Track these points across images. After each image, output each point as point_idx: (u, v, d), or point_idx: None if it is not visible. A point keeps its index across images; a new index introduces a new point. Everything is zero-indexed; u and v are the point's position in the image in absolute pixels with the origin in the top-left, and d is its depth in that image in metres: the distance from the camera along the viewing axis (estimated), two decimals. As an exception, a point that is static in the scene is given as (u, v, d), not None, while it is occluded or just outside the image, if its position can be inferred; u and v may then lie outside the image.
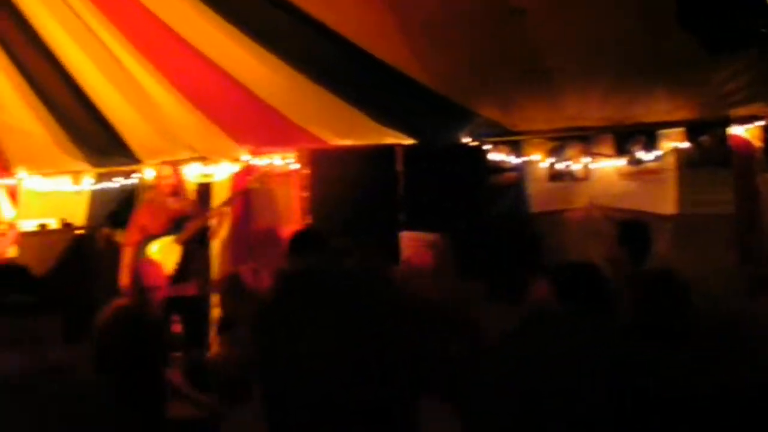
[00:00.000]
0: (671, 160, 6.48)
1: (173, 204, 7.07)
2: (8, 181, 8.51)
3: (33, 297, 2.18)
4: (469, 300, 2.94)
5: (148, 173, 8.13)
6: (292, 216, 7.32)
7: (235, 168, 7.74)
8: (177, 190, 7.16)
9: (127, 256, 7.03)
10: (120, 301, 5.57)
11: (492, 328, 2.41)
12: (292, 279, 1.08)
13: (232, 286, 5.92)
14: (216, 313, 7.01)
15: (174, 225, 7.02)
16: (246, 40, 6.32)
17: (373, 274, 4.23)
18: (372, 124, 6.84)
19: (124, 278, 6.96)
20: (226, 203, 7.39)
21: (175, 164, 7.43)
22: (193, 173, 7.95)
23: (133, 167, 8.25)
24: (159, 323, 5.01)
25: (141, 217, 7.21)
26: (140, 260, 6.41)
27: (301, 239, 4.62)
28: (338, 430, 1.36)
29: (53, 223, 8.08)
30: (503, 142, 6.78)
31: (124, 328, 3.31)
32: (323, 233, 4.77)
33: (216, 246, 7.42)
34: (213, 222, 7.08)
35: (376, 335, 1.10)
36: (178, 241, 6.91)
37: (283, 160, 7.52)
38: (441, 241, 5.72)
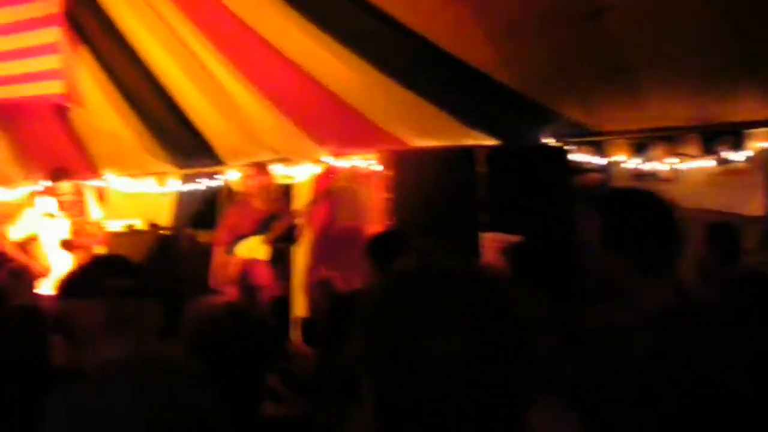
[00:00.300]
0: (759, 161, 6.39)
1: (261, 204, 7.22)
2: (96, 183, 8.81)
3: (133, 281, 2.29)
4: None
5: (231, 175, 8.36)
6: (374, 217, 7.43)
7: (317, 169, 7.88)
8: (265, 191, 7.28)
9: (217, 256, 7.23)
10: (216, 299, 5.78)
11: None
12: (411, 277, 1.12)
13: (322, 289, 6.09)
14: (299, 313, 7.19)
15: (262, 225, 7.17)
16: (329, 42, 6.46)
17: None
18: (453, 126, 6.89)
19: (215, 278, 7.15)
20: (313, 204, 7.52)
21: (261, 165, 7.59)
22: (275, 174, 8.13)
23: (217, 169, 8.48)
24: (266, 323, 5.18)
25: (230, 218, 7.41)
26: (248, 260, 6.53)
27: (384, 242, 4.74)
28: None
29: (139, 224, 8.35)
30: (586, 143, 6.77)
31: (230, 326, 3.44)
32: (406, 235, 4.89)
33: (300, 247, 7.55)
34: (299, 222, 7.21)
35: (501, 336, 1.14)
36: (265, 242, 7.06)
37: (365, 162, 7.63)
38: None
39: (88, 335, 2.27)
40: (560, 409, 1.84)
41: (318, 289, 6.28)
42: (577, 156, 6.77)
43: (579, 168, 6.79)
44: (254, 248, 7.09)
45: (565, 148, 6.70)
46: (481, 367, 1.20)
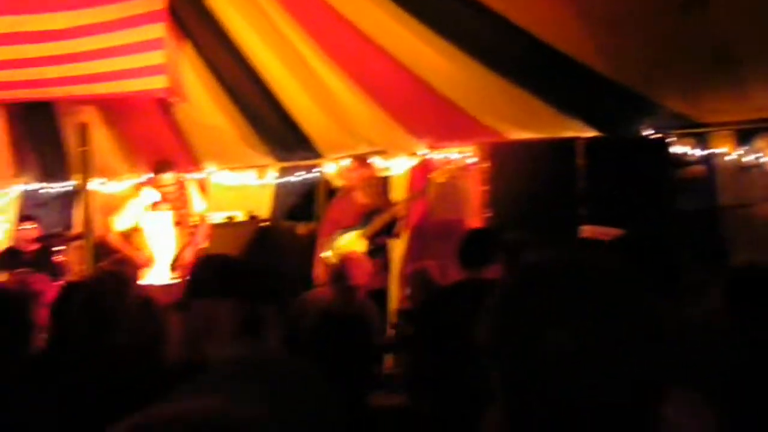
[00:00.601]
0: None
1: (363, 198, 7.30)
2: (198, 176, 9.10)
3: (257, 285, 2.40)
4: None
5: (328, 167, 8.53)
6: (471, 210, 7.48)
7: (413, 162, 7.96)
8: (367, 184, 7.36)
9: (321, 249, 7.37)
10: (317, 293, 5.92)
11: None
12: (541, 269, 1.15)
13: (420, 280, 6.19)
14: (396, 305, 7.30)
15: (364, 219, 7.26)
16: (425, 32, 6.56)
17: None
18: (552, 117, 6.90)
19: (318, 270, 7.30)
20: (413, 197, 7.58)
21: (363, 158, 7.69)
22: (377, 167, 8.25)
23: (315, 161, 8.67)
24: (367, 320, 5.32)
25: (333, 211, 7.54)
26: (346, 256, 6.60)
27: (473, 240, 4.82)
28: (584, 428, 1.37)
29: (240, 216, 8.60)
30: (688, 134, 6.68)
31: (332, 327, 3.57)
32: (495, 233, 4.94)
33: (399, 240, 7.62)
34: (400, 216, 7.27)
35: (631, 328, 1.16)
36: (364, 235, 7.16)
37: (461, 154, 7.68)
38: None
39: (213, 333, 2.38)
40: (699, 404, 1.85)
41: (415, 281, 6.38)
42: (679, 148, 6.68)
43: (680, 160, 6.70)
44: (354, 242, 7.20)
45: (667, 139, 6.62)
46: (611, 358, 1.21)
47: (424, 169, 7.82)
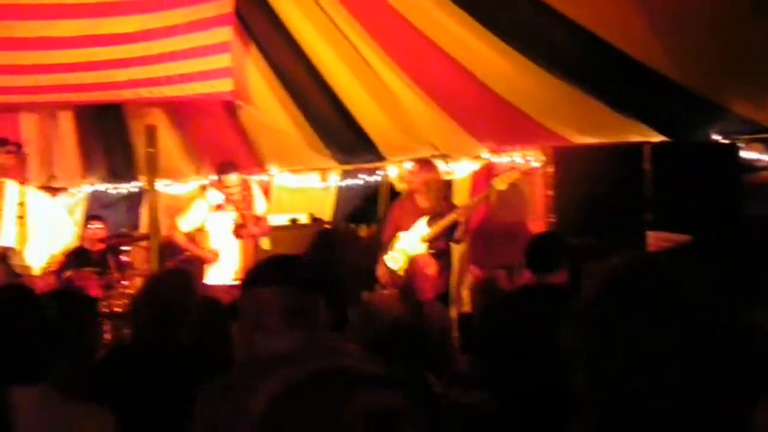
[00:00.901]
0: None
1: (424, 201, 7.33)
2: (261, 178, 9.25)
3: (308, 275, 2.48)
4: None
5: (391, 170, 8.60)
6: (534, 214, 7.48)
7: (476, 166, 7.99)
8: (429, 188, 7.37)
9: (383, 252, 7.43)
10: (382, 297, 5.97)
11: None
12: (628, 273, 1.15)
13: (487, 287, 6.21)
14: (459, 310, 7.33)
15: (426, 223, 7.28)
16: (487, 35, 6.61)
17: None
18: (618, 121, 6.87)
19: (381, 272, 7.37)
20: (475, 203, 7.58)
21: (427, 161, 7.72)
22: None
23: (377, 164, 8.76)
24: (432, 339, 5.36)
25: (394, 214, 7.58)
26: (414, 267, 6.59)
27: (541, 245, 4.83)
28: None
29: (303, 218, 8.72)
30: (757, 140, 6.60)
31: (402, 342, 3.61)
32: (562, 238, 4.95)
33: (459, 245, 7.63)
34: (461, 220, 7.28)
35: (721, 332, 1.15)
36: (424, 239, 7.19)
37: (524, 158, 7.69)
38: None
39: (266, 325, 2.42)
40: None
41: (482, 285, 6.40)
42: (748, 153, 6.60)
43: (750, 166, 6.62)
44: (414, 245, 7.23)
45: (735, 145, 6.55)
46: (702, 362, 1.21)
47: (486, 173, 7.84)
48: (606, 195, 6.84)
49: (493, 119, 7.54)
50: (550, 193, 7.23)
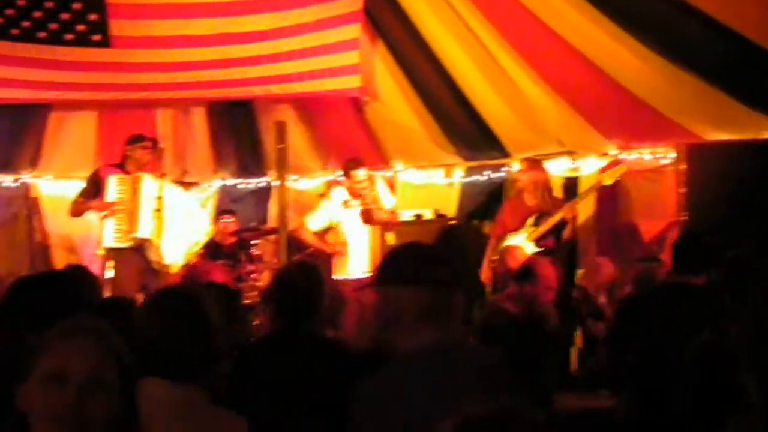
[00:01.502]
0: None
1: (532, 200, 7.35)
2: (386, 173, 9.41)
3: (445, 273, 2.53)
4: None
5: (516, 167, 8.64)
6: (663, 212, 7.41)
7: (602, 163, 7.94)
8: (537, 187, 7.39)
9: (489, 250, 7.50)
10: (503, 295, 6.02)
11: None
12: None
13: (644, 278, 6.20)
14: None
15: (533, 222, 7.30)
16: (616, 30, 6.63)
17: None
18: (753, 118, 6.75)
19: (485, 272, 7.44)
20: (581, 198, 7.55)
21: (535, 160, 7.76)
22: (560, 168, 8.29)
23: (502, 161, 8.82)
24: (553, 336, 5.42)
25: (504, 212, 7.65)
26: (531, 263, 6.60)
27: (689, 245, 4.82)
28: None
29: (427, 214, 8.83)
30: None
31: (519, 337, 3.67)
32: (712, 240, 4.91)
33: (570, 243, 7.58)
34: (568, 218, 7.25)
35: None
36: (530, 238, 7.20)
37: (653, 155, 7.61)
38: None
39: (400, 322, 2.49)
40: None
41: (636, 279, 6.38)
42: None
43: None
44: (521, 244, 7.24)
45: None
46: None
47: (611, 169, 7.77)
48: (740, 192, 6.75)
49: (622, 115, 7.51)
50: (683, 190, 7.15)
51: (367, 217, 7.69)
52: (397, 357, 2.52)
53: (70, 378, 1.78)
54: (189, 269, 8.00)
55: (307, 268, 4.55)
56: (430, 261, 2.57)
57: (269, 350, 3.82)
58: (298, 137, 9.45)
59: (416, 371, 2.42)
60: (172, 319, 2.62)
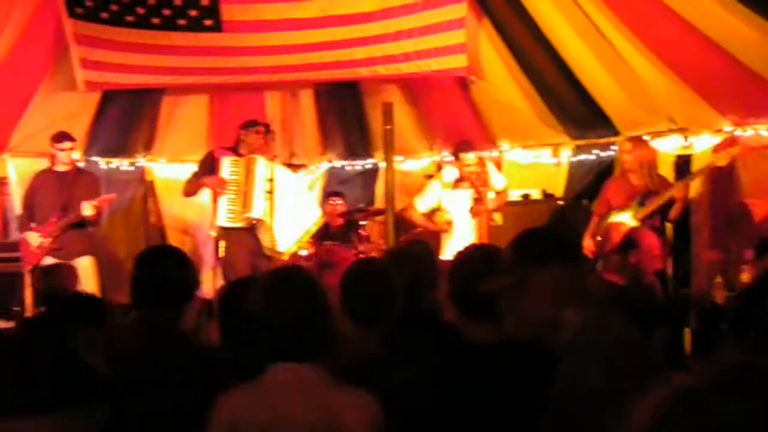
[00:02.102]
0: None
1: (637, 179, 7.27)
2: (492, 153, 9.43)
3: (573, 251, 2.59)
4: None
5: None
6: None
7: (717, 140, 7.79)
8: (642, 166, 7.29)
9: (591, 227, 7.45)
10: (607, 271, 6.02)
11: None
12: None
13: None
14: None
15: (638, 201, 7.23)
16: (730, 1, 6.49)
17: None
18: None
19: (586, 248, 7.40)
20: (692, 178, 7.43)
21: (639, 138, 7.66)
22: (671, 145, 8.18)
23: (611, 139, 8.74)
24: (663, 309, 5.40)
25: (607, 191, 7.58)
26: (637, 236, 6.54)
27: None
28: None
29: (535, 194, 8.83)
30: None
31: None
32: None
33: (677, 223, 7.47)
34: (677, 197, 7.14)
35: None
36: (637, 217, 7.12)
37: (772, 132, 7.46)
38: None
39: (538, 304, 2.53)
40: None
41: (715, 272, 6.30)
42: None
43: None
44: (626, 223, 7.17)
45: None
46: None
47: (725, 147, 7.62)
48: None
49: (738, 90, 7.38)
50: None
51: (476, 210, 7.69)
52: (565, 340, 2.51)
53: None
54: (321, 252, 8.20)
55: (421, 246, 4.62)
56: (567, 239, 2.67)
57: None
58: (404, 118, 9.55)
59: (584, 354, 2.45)
60: (292, 300, 2.67)
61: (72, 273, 6.94)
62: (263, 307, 2.70)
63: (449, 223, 7.82)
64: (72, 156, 7.83)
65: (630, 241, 5.97)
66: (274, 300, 2.70)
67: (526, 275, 2.55)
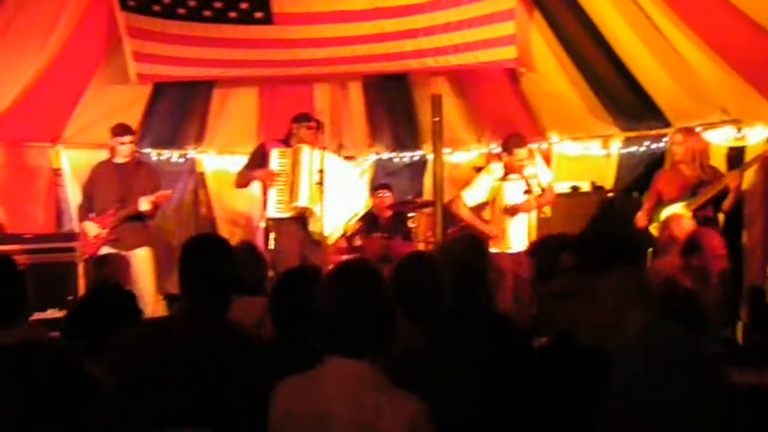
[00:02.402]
0: None
1: (689, 171, 7.21)
2: (541, 145, 9.39)
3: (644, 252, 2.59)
4: None
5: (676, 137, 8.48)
6: None
7: (771, 132, 7.70)
8: (693, 157, 7.23)
9: (640, 220, 7.40)
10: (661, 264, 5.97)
11: None
12: None
13: None
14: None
15: (689, 193, 7.17)
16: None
17: None
18: None
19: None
20: (746, 167, 7.35)
21: (690, 129, 7.59)
22: (724, 137, 8.08)
23: (662, 131, 8.66)
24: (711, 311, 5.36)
25: (658, 183, 7.53)
26: (697, 235, 6.48)
27: None
28: None
29: (584, 186, 8.78)
30: None
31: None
32: None
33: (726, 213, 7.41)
34: (731, 186, 7.06)
35: None
36: (689, 208, 7.07)
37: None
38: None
39: (610, 304, 2.53)
40: None
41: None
42: None
43: None
44: (677, 215, 7.11)
45: None
46: None
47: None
48: None
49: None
50: None
51: (526, 205, 7.63)
52: (619, 341, 2.54)
53: None
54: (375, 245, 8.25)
55: (471, 239, 4.63)
56: (636, 240, 2.61)
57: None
58: (452, 110, 9.57)
59: (634, 355, 2.46)
60: (354, 295, 2.67)
61: (124, 263, 7.06)
62: (324, 299, 2.71)
63: (501, 232, 7.74)
64: (131, 149, 7.90)
65: (693, 243, 5.92)
66: (335, 293, 2.71)
67: (588, 280, 2.56)
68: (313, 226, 7.68)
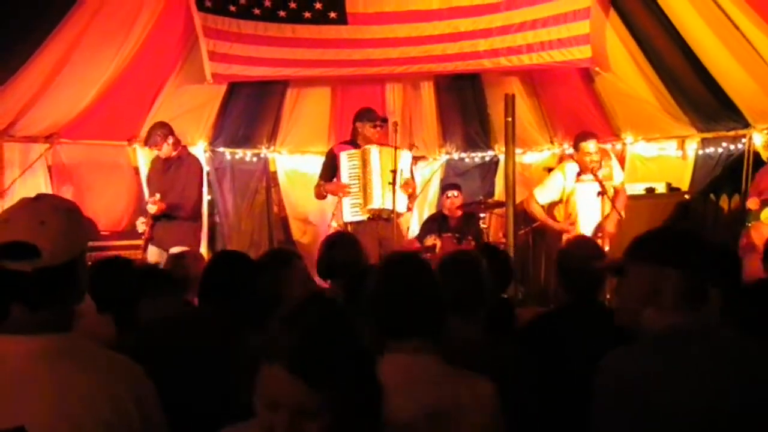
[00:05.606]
0: None
1: None
2: (616, 146, 9.27)
3: (707, 260, 2.53)
4: None
5: (756, 138, 8.31)
6: None
7: None
8: None
9: (752, 204, 7.24)
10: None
11: None
12: None
13: None
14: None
15: None
16: None
17: None
18: None
19: (742, 242, 7.18)
20: None
21: None
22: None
23: (741, 132, 8.49)
24: None
25: (762, 181, 7.37)
26: None
27: None
28: None
29: (660, 188, 8.64)
30: None
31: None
32: None
33: None
34: None
35: None
36: None
37: None
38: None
39: (660, 303, 2.49)
40: None
41: None
42: None
43: None
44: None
45: None
46: None
47: None
48: None
49: None
50: None
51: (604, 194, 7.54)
52: (645, 337, 2.53)
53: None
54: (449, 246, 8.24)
55: (585, 243, 4.59)
56: (694, 245, 2.57)
57: (561, 322, 3.96)
58: (524, 110, 9.55)
59: (662, 353, 2.44)
60: (406, 285, 2.71)
61: (199, 258, 7.09)
62: (375, 287, 2.77)
63: (569, 229, 7.69)
64: (170, 149, 7.92)
65: None
66: (385, 280, 2.77)
67: (626, 265, 2.60)
68: (389, 225, 7.65)
